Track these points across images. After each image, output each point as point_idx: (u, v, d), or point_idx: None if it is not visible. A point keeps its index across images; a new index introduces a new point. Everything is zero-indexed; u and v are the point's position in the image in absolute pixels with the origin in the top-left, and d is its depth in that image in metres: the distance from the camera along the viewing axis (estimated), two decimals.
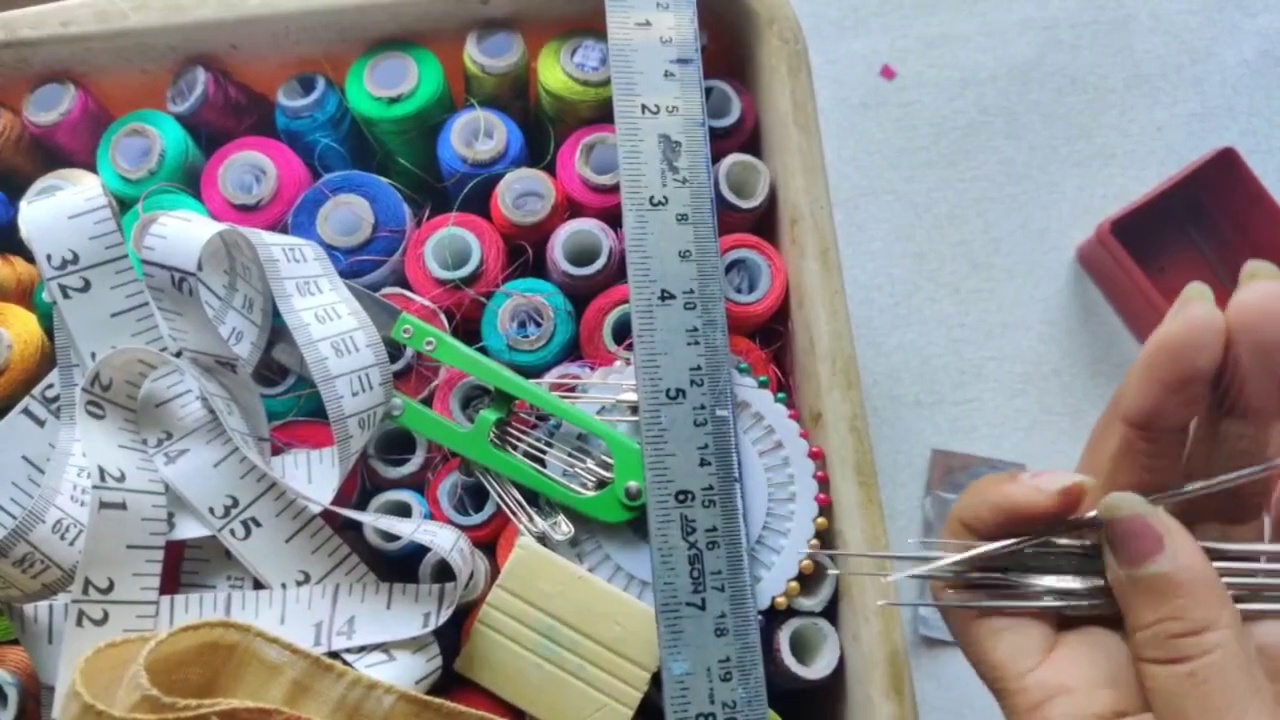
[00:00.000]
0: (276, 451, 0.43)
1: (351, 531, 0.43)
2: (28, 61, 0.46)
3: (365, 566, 0.42)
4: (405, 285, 0.45)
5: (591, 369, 0.44)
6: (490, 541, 0.44)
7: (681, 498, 0.40)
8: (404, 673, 0.39)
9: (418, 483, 0.44)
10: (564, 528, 0.42)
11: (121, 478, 0.39)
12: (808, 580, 0.43)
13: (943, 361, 0.68)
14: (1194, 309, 0.29)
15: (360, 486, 0.44)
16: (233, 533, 0.41)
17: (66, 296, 0.40)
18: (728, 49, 0.48)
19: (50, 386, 0.43)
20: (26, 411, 0.43)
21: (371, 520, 0.41)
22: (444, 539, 0.40)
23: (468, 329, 0.46)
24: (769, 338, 0.47)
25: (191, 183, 0.47)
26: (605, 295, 0.45)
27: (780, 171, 0.46)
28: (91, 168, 0.46)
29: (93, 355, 0.41)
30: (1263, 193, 0.63)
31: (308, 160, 0.47)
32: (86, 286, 0.41)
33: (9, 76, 0.46)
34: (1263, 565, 0.31)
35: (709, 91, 0.47)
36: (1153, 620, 0.30)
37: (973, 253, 0.70)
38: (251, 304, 0.43)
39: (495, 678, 0.41)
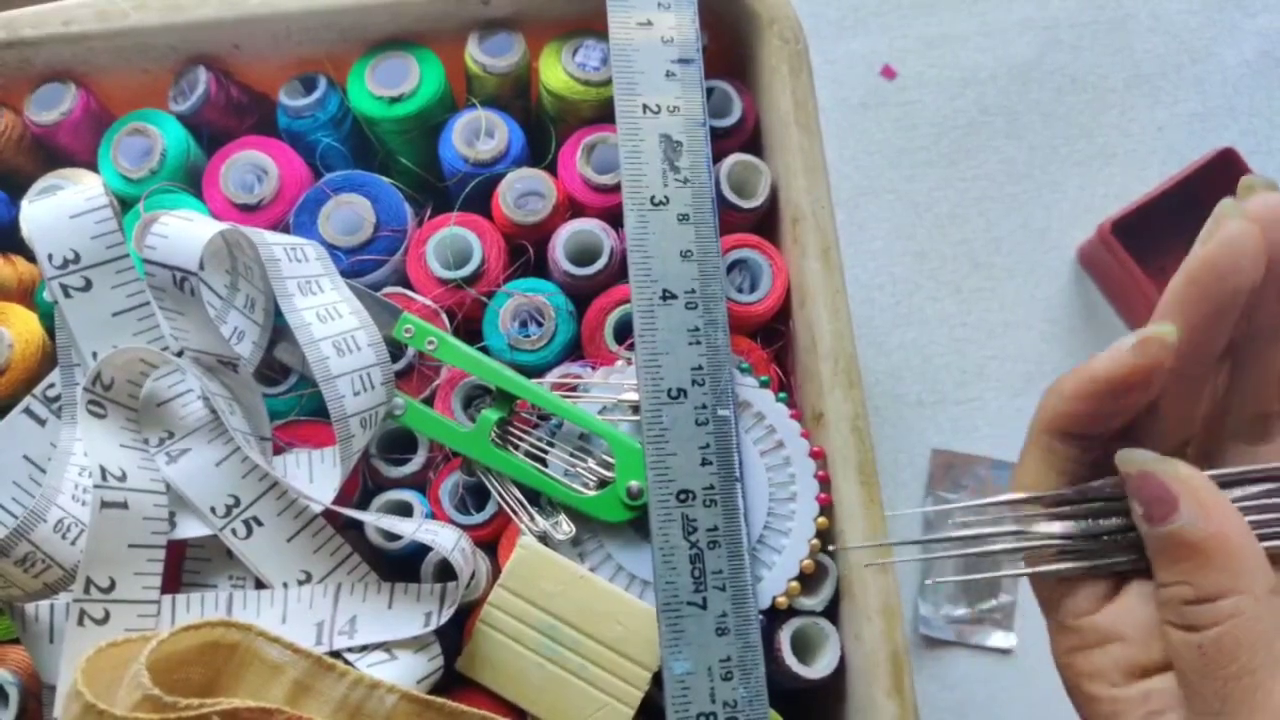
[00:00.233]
0: (278, 451, 0.43)
1: (353, 531, 0.43)
2: (29, 61, 0.46)
3: (367, 566, 0.42)
4: (407, 285, 0.45)
5: (593, 369, 0.44)
6: (492, 541, 0.44)
7: (683, 497, 0.41)
8: (406, 672, 0.39)
9: (419, 482, 0.44)
10: (565, 527, 0.42)
11: (123, 477, 0.39)
12: (809, 580, 0.43)
13: (944, 361, 0.68)
14: (1230, 227, 0.28)
15: (362, 486, 0.44)
16: (234, 532, 0.41)
17: (68, 296, 0.40)
18: (729, 49, 0.48)
19: (51, 386, 0.43)
20: (28, 411, 0.43)
21: (373, 520, 0.42)
22: (445, 538, 0.40)
23: (469, 329, 0.46)
24: (770, 337, 0.47)
25: (193, 182, 0.47)
26: (606, 295, 0.45)
27: (781, 171, 0.46)
28: (93, 167, 0.46)
29: (94, 354, 0.41)
30: None
31: (309, 160, 0.47)
32: (88, 286, 0.41)
33: (10, 76, 0.46)
34: None
35: (710, 91, 0.47)
36: (1168, 581, 0.29)
37: (974, 252, 0.70)
38: (253, 303, 0.43)
39: (497, 677, 0.41)
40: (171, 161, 0.46)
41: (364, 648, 0.40)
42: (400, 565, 0.43)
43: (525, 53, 0.46)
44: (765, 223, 0.48)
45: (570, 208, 0.46)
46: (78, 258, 0.40)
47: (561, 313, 0.45)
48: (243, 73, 0.48)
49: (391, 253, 0.45)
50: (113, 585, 0.39)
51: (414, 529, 0.41)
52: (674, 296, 0.42)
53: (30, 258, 0.46)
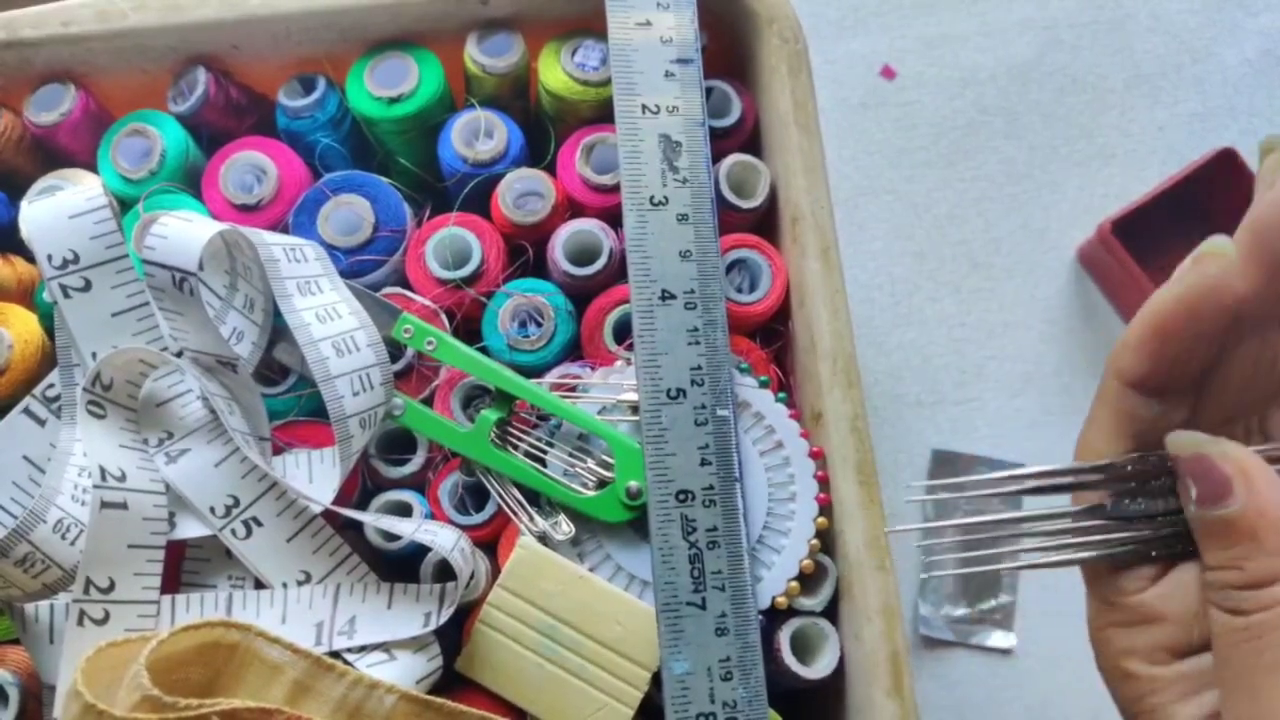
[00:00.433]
0: (277, 451, 0.43)
1: (352, 531, 0.43)
2: (29, 62, 0.46)
3: (366, 566, 0.42)
4: (406, 285, 0.45)
5: (592, 369, 0.44)
6: (491, 541, 0.44)
7: (682, 497, 0.41)
8: (405, 672, 0.39)
9: (419, 482, 0.44)
10: (565, 527, 0.42)
11: (122, 477, 0.39)
12: (808, 580, 0.43)
13: (943, 361, 0.68)
14: None
15: (361, 486, 0.44)
16: (234, 532, 0.41)
17: (67, 296, 0.40)
18: (728, 49, 0.48)
19: (51, 386, 0.43)
20: (27, 411, 0.43)
21: (372, 520, 0.42)
22: (445, 539, 0.40)
23: (468, 329, 0.46)
24: (770, 337, 0.47)
25: (192, 183, 0.47)
26: (606, 295, 0.45)
27: (781, 171, 0.46)
28: (92, 168, 0.46)
29: (93, 355, 0.41)
30: None
31: (308, 160, 0.47)
32: (87, 286, 0.41)
33: (10, 77, 0.46)
34: None
35: (709, 91, 0.47)
36: (1216, 565, 0.28)
37: (973, 252, 0.70)
38: (252, 304, 0.43)
39: (496, 677, 0.41)
40: (171, 162, 0.46)
41: (363, 648, 0.40)
42: (399, 565, 0.43)
43: (524, 53, 0.46)
44: (764, 223, 0.48)
45: (569, 208, 0.46)
46: (77, 258, 0.40)
47: (561, 313, 0.45)
48: (242, 73, 0.48)
49: (391, 253, 0.45)
50: (112, 585, 0.39)
51: (413, 529, 0.41)
52: (673, 296, 0.42)
53: (30, 258, 0.46)
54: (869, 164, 0.71)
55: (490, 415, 0.42)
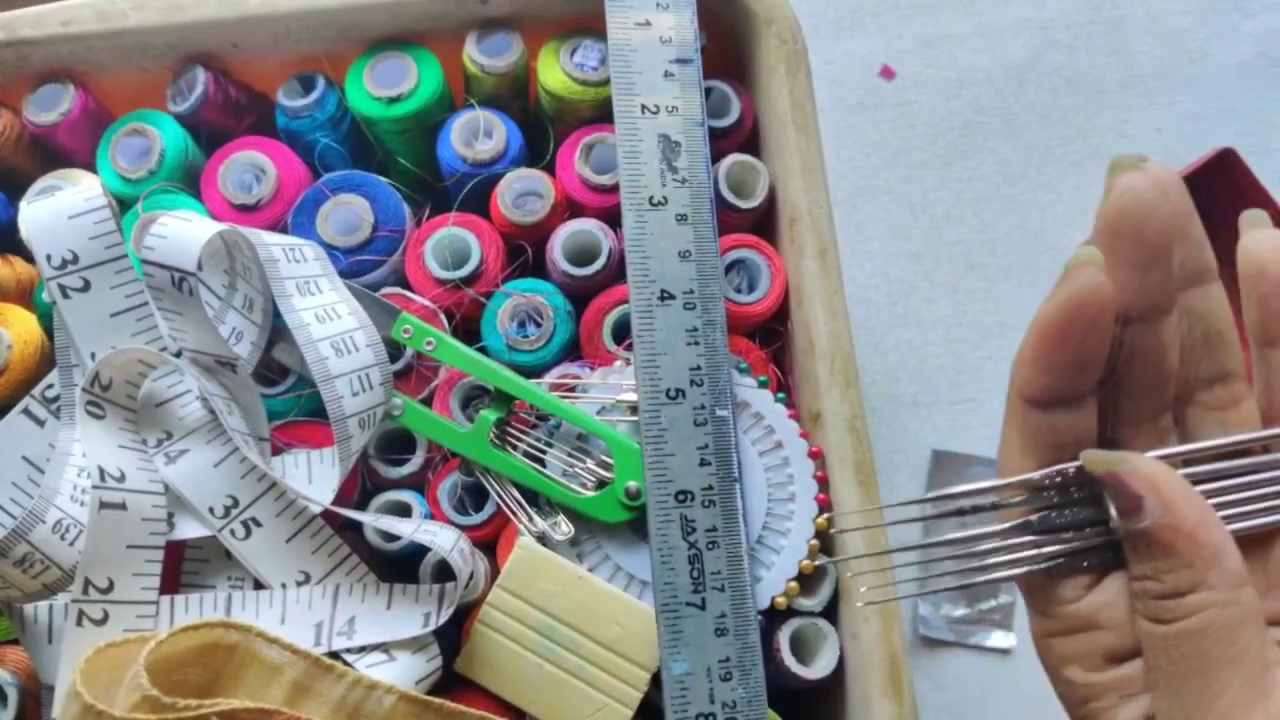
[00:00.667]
0: (277, 451, 0.43)
1: (352, 532, 0.43)
2: (28, 61, 0.46)
3: (365, 567, 0.42)
4: (405, 285, 0.45)
5: (591, 369, 0.44)
6: (490, 541, 0.44)
7: (681, 498, 0.41)
8: (404, 673, 0.39)
9: (418, 483, 0.44)
10: (564, 528, 0.42)
11: (121, 478, 0.39)
12: (807, 580, 0.43)
13: (940, 361, 0.68)
14: (1129, 179, 0.29)
15: (360, 486, 0.44)
16: (233, 533, 0.41)
17: (66, 296, 0.40)
18: (727, 49, 0.48)
19: (50, 386, 0.43)
20: (26, 411, 0.43)
21: (372, 520, 0.42)
22: (444, 539, 0.40)
23: (468, 329, 0.46)
24: (768, 338, 0.47)
25: (191, 182, 0.46)
26: (605, 295, 0.45)
27: (779, 171, 0.46)
28: (91, 168, 0.46)
29: (92, 355, 0.41)
30: (1262, 193, 0.64)
31: (308, 160, 0.47)
32: (86, 286, 0.41)
33: (9, 76, 0.46)
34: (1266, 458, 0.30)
35: (708, 91, 0.47)
36: (1139, 575, 0.29)
37: (970, 253, 0.70)
38: (251, 304, 0.43)
39: (495, 678, 0.41)
40: (170, 162, 0.46)
41: (362, 648, 0.40)
42: (399, 566, 0.43)
43: (523, 53, 0.46)
44: (763, 223, 0.48)
45: (568, 208, 0.46)
46: (76, 258, 0.40)
47: (560, 313, 0.45)
48: (241, 72, 0.48)
49: (390, 253, 0.45)
50: (111, 586, 0.39)
51: (412, 529, 0.41)
52: (672, 297, 0.42)
53: (29, 258, 0.46)
54: (867, 164, 0.71)
55: (489, 415, 0.42)
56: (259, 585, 0.41)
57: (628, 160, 0.43)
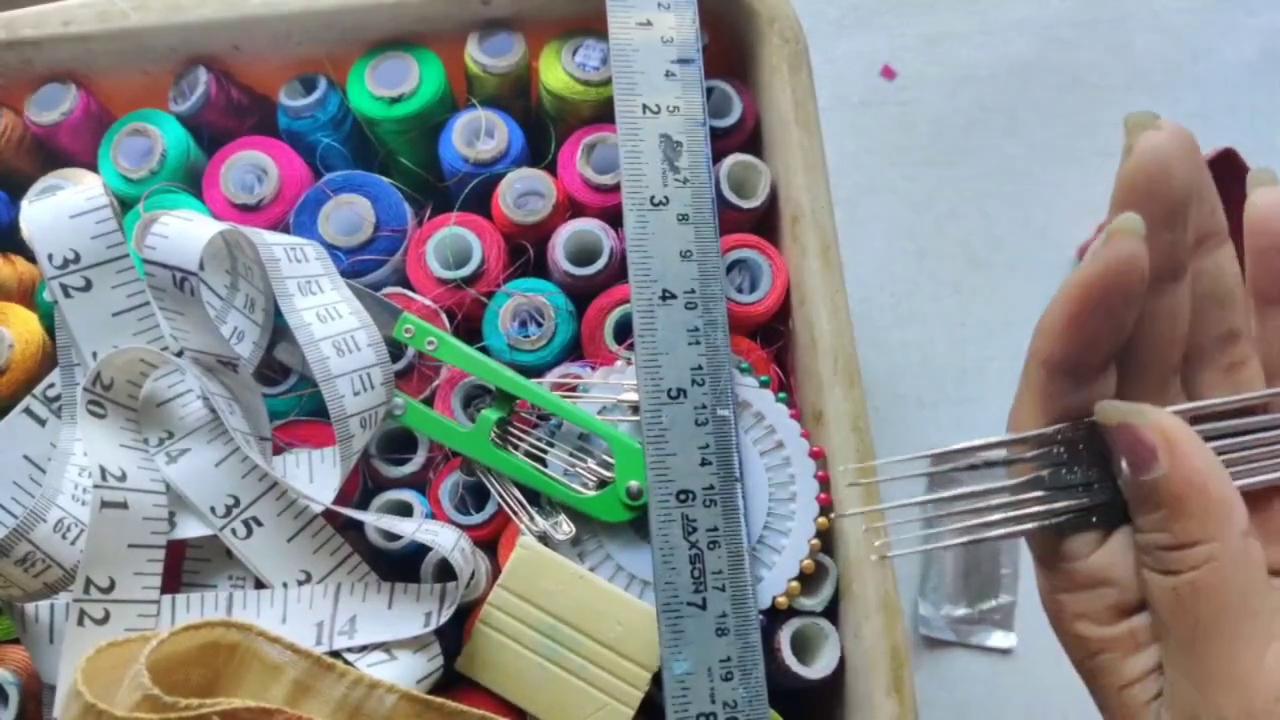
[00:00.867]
0: (278, 451, 0.43)
1: (353, 531, 0.43)
2: (29, 61, 0.46)
3: (367, 566, 0.42)
4: (407, 285, 0.45)
5: (593, 369, 0.44)
6: (491, 541, 0.44)
7: (683, 497, 0.41)
8: (405, 672, 0.39)
9: (419, 482, 0.44)
10: (565, 527, 0.42)
11: (123, 477, 0.39)
12: (809, 580, 0.43)
13: (944, 360, 0.68)
14: (1150, 138, 0.29)
15: (362, 486, 0.44)
16: (234, 532, 0.41)
17: (68, 296, 0.40)
18: (728, 49, 0.48)
19: (51, 386, 0.43)
20: (28, 411, 0.43)
21: (373, 520, 0.42)
22: (445, 538, 0.40)
23: (469, 329, 0.46)
24: (770, 337, 0.47)
25: (193, 182, 0.47)
26: (606, 295, 0.45)
27: (781, 170, 0.46)
28: (93, 168, 0.46)
29: (94, 355, 0.41)
30: None
31: (309, 160, 0.47)
32: (88, 286, 0.41)
33: (11, 77, 0.46)
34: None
35: (710, 91, 0.47)
36: (1146, 529, 0.29)
37: (973, 251, 0.70)
38: (253, 303, 0.43)
39: (496, 677, 0.41)
40: (171, 162, 0.46)
41: (364, 648, 0.40)
42: (400, 565, 0.43)
43: (525, 53, 0.46)
44: (765, 222, 0.48)
45: (570, 208, 0.46)
46: (78, 258, 0.40)
47: (561, 313, 0.45)
48: (243, 73, 0.48)
49: (391, 253, 0.45)
50: (112, 585, 0.39)
51: (414, 529, 0.41)
52: (673, 296, 0.42)
53: (30, 258, 0.46)
54: (869, 163, 0.71)
55: (491, 415, 0.42)
56: (260, 584, 0.41)
57: (629, 160, 0.43)
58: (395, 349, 0.44)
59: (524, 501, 0.43)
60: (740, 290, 0.46)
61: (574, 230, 0.45)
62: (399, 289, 0.45)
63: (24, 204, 0.43)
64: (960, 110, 0.71)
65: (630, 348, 0.44)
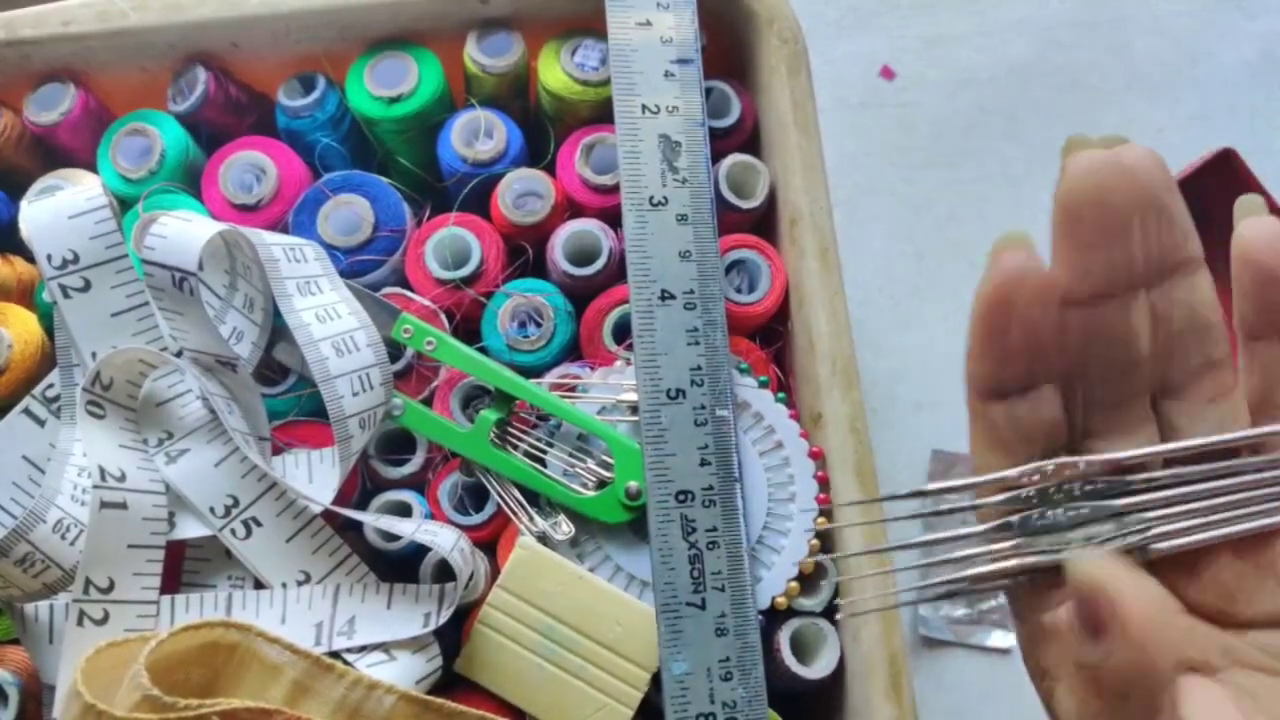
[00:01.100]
0: (277, 451, 0.43)
1: (352, 532, 0.43)
2: (29, 60, 0.46)
3: (366, 566, 0.42)
4: (405, 285, 0.45)
5: (592, 369, 0.44)
6: (490, 541, 0.44)
7: (682, 498, 0.41)
8: (404, 673, 0.39)
9: (418, 483, 0.44)
10: (564, 528, 0.42)
11: (122, 477, 0.39)
12: (808, 580, 0.43)
13: (942, 363, 0.68)
14: (1083, 159, 0.28)
15: (361, 486, 0.44)
16: (233, 532, 0.41)
17: (67, 296, 0.40)
18: (727, 49, 0.48)
19: (51, 386, 0.43)
20: (27, 411, 0.43)
21: (372, 520, 0.42)
22: (444, 539, 0.40)
23: (468, 329, 0.46)
24: (769, 338, 0.47)
25: (192, 182, 0.47)
26: (605, 295, 0.45)
27: (780, 171, 0.46)
28: (92, 167, 0.46)
29: (93, 355, 0.41)
30: (1263, 193, 0.63)
31: (308, 160, 0.47)
32: (87, 286, 0.41)
33: (10, 76, 0.46)
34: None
35: (709, 92, 0.47)
36: (1084, 657, 0.29)
37: (973, 253, 0.70)
38: (252, 304, 0.43)
39: (496, 678, 0.41)
40: (170, 161, 0.46)
41: (363, 648, 0.40)
42: (399, 566, 0.43)
43: (524, 52, 0.46)
44: (764, 223, 0.48)
45: (569, 208, 0.46)
46: (77, 258, 0.40)
47: (560, 313, 0.45)
48: (242, 72, 0.48)
49: (390, 253, 0.45)
50: (112, 586, 0.39)
51: (413, 529, 0.41)
52: (672, 297, 0.42)
53: (29, 258, 0.46)
54: (868, 164, 0.71)
55: (490, 415, 0.42)
56: (259, 585, 0.41)
57: (628, 160, 0.43)
58: (394, 349, 0.44)
59: (523, 502, 0.43)
60: (739, 291, 0.46)
61: (573, 230, 0.45)
62: (398, 289, 0.45)
63: (23, 204, 0.43)
64: (960, 112, 0.71)
65: (629, 348, 0.44)
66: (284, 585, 0.41)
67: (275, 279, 0.40)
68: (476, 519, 0.43)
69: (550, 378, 0.44)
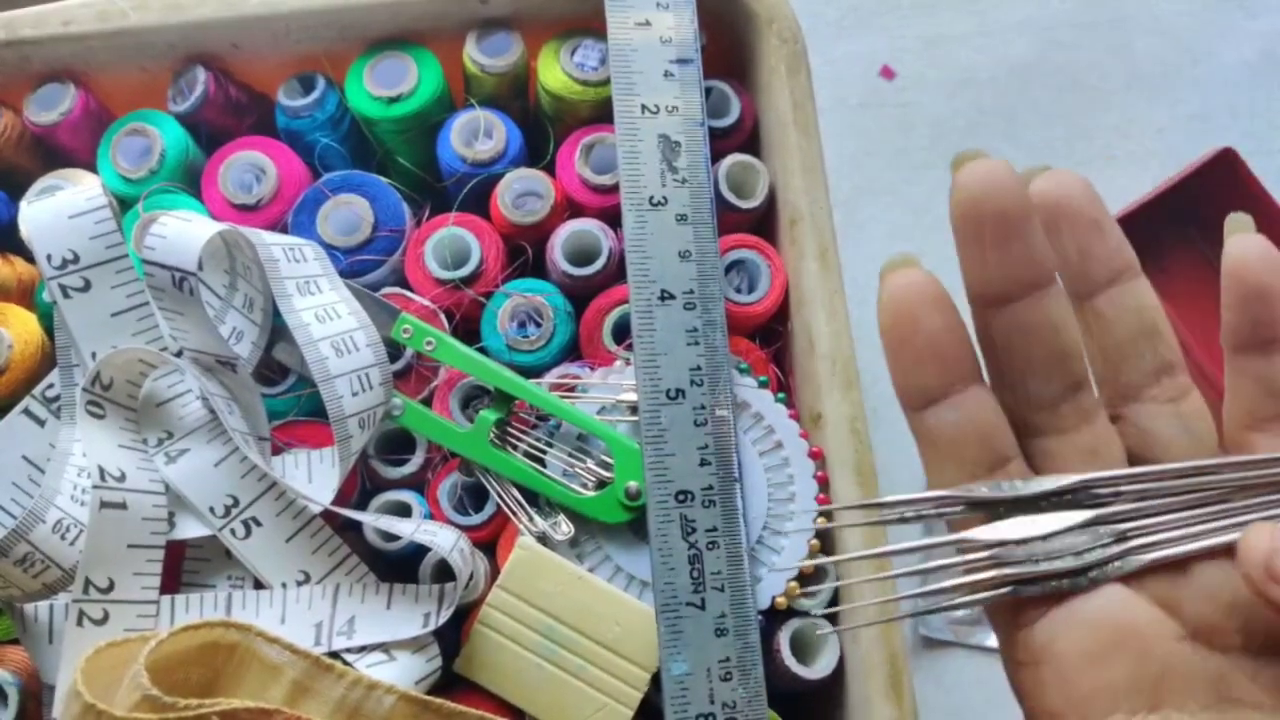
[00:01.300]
0: (277, 451, 0.43)
1: (351, 532, 0.43)
2: (29, 60, 0.46)
3: (365, 567, 0.42)
4: (405, 285, 0.45)
5: (591, 369, 0.44)
6: (490, 542, 0.44)
7: (681, 498, 0.41)
8: (404, 673, 0.39)
9: (418, 483, 0.44)
10: (564, 528, 0.42)
11: (122, 477, 0.39)
12: (808, 580, 0.43)
13: None
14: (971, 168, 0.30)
15: (360, 486, 0.44)
16: (233, 532, 0.41)
17: (67, 296, 0.40)
18: (727, 49, 0.48)
19: (51, 386, 0.43)
20: (27, 411, 0.43)
21: (371, 520, 0.42)
22: (444, 539, 0.40)
23: (467, 329, 0.46)
24: (769, 338, 0.47)
25: (192, 182, 0.47)
26: (605, 295, 0.45)
27: (779, 172, 0.46)
28: (92, 167, 0.46)
29: (93, 355, 0.41)
30: (1263, 193, 0.63)
31: (308, 160, 0.47)
32: (87, 286, 0.41)
33: (10, 76, 0.46)
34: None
35: (708, 91, 0.47)
36: None
37: None
38: (252, 303, 0.43)
39: (495, 678, 0.41)
40: (170, 161, 0.46)
41: (362, 648, 0.40)
42: (398, 566, 0.43)
43: (523, 52, 0.46)
44: (763, 223, 0.48)
45: (568, 208, 0.46)
46: (77, 258, 0.40)
47: (560, 313, 0.45)
48: (241, 72, 0.48)
49: (390, 253, 0.45)
50: (112, 585, 0.39)
51: (412, 529, 0.41)
52: (672, 297, 0.42)
53: (29, 258, 0.46)
54: (868, 165, 0.71)
55: (489, 415, 0.42)
56: (259, 585, 0.41)
57: (628, 160, 0.43)
58: (394, 349, 0.44)
59: (523, 502, 0.43)
60: (739, 290, 0.46)
61: (572, 230, 0.45)
62: (397, 289, 0.45)
63: (23, 204, 0.43)
64: (960, 112, 0.71)
65: (629, 348, 0.44)
66: (284, 585, 0.41)
67: (275, 279, 0.40)
68: (476, 519, 0.43)
69: (550, 378, 0.44)
